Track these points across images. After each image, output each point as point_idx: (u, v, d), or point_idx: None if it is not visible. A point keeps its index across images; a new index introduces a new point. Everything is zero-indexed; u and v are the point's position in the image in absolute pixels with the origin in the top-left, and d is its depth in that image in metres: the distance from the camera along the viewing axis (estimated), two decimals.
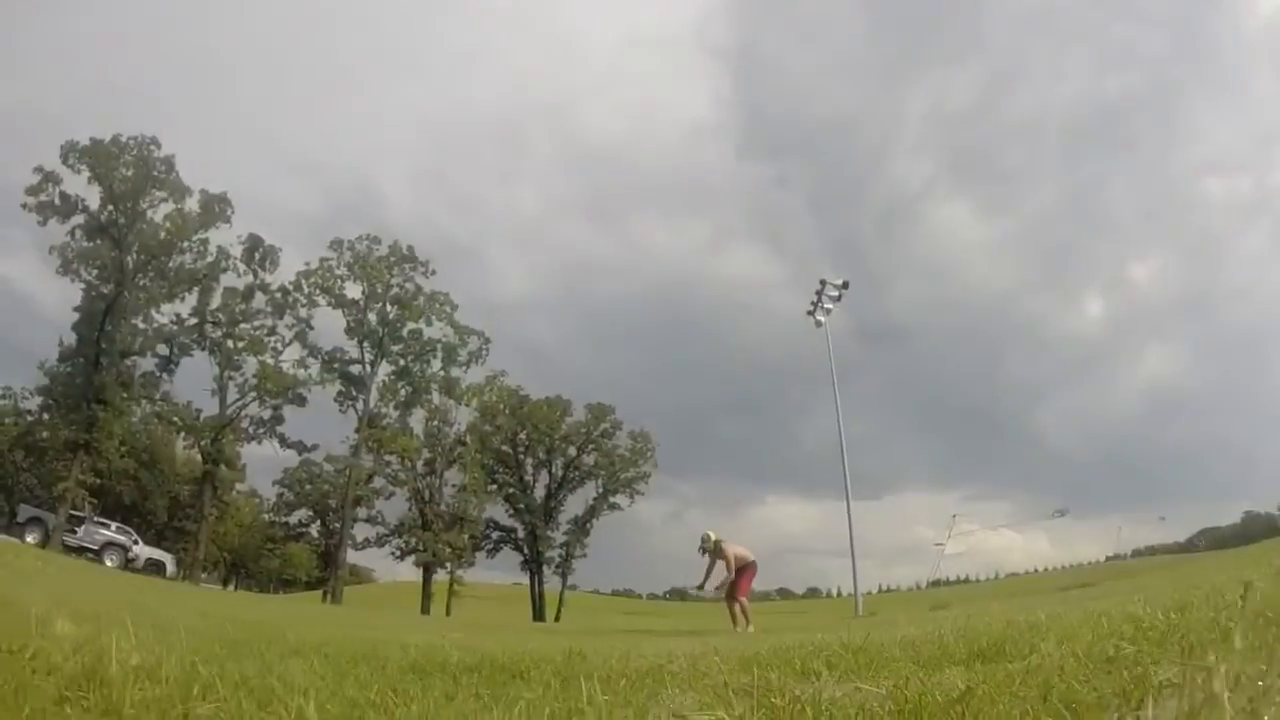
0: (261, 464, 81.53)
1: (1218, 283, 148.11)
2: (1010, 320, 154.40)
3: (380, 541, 56.93)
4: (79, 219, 46.91)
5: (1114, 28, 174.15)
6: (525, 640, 7.56)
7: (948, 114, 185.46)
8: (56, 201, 46.47)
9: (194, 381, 53.41)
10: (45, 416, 49.27)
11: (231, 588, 73.42)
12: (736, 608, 15.24)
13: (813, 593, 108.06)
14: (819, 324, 39.87)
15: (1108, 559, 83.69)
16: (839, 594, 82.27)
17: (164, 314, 50.16)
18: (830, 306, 39.73)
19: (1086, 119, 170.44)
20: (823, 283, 40.14)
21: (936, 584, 79.89)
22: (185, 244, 49.43)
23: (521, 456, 63.83)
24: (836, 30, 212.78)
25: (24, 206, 46.22)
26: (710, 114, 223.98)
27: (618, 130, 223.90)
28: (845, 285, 40.38)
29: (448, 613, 54.60)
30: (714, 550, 15.86)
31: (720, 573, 15.92)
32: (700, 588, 16.50)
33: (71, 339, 46.97)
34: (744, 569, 15.82)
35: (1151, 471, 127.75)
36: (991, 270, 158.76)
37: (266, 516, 67.89)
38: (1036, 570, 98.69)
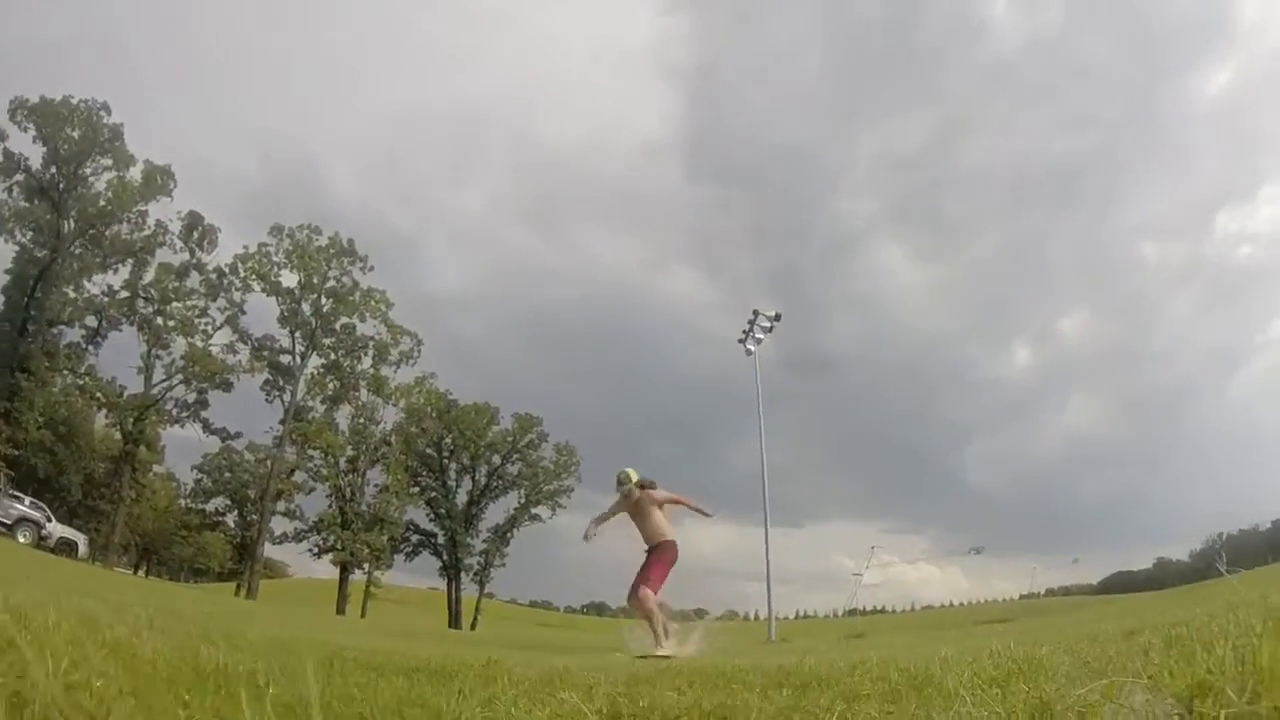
0: (180, 446, 79.92)
1: (1142, 342, 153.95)
2: (941, 362, 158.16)
3: (298, 537, 56.44)
4: (19, 178, 46.14)
5: (1068, 91, 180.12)
6: (448, 649, 8.26)
7: (896, 157, 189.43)
8: (0, 159, 45.69)
9: (119, 357, 52.60)
10: None
11: (142, 573, 71.87)
12: (652, 605, 10.06)
13: (730, 615, 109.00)
14: (749, 353, 40.95)
15: (1022, 597, 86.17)
16: (755, 618, 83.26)
17: (95, 284, 49.50)
18: (761, 336, 40.82)
19: (1031, 175, 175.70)
20: (755, 313, 41.20)
21: (853, 613, 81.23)
22: (124, 214, 48.80)
23: (446, 461, 63.94)
24: (794, 64, 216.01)
25: None
26: (662, 132, 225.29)
27: (571, 139, 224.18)
28: (777, 317, 41.48)
29: (363, 614, 54.35)
30: (630, 495, 10.78)
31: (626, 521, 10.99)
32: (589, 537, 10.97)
33: None
34: (663, 550, 10.62)
35: (1068, 516, 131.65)
36: (926, 312, 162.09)
37: (183, 502, 66.78)
38: (952, 604, 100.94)
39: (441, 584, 65.12)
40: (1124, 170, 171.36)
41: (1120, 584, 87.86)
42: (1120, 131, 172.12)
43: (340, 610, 52.21)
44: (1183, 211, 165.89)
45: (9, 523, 36.59)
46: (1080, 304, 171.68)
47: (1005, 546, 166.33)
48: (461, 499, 63.88)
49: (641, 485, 10.86)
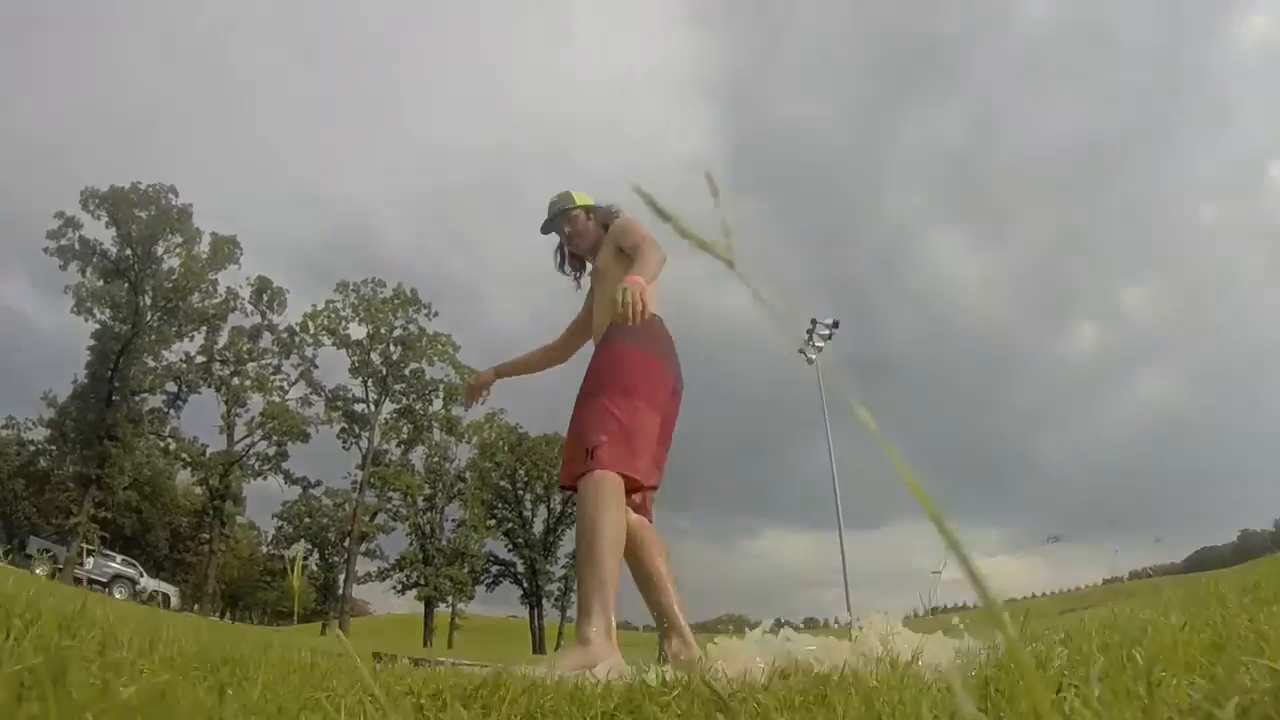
0: (261, 497, 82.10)
1: (1209, 308, 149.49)
2: (1005, 349, 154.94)
3: (382, 576, 57.91)
4: (95, 261, 48.13)
5: (1100, 64, 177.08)
6: None
7: (940, 148, 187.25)
8: (76, 246, 47.70)
9: (201, 416, 54.49)
10: (51, 449, 50.41)
11: (229, 619, 73.87)
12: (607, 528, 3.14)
13: (810, 623, 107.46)
14: (810, 361, 41.11)
15: (1105, 582, 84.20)
16: (835, 624, 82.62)
17: (173, 352, 51.41)
18: (821, 344, 41.04)
19: (1077, 150, 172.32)
20: (814, 321, 41.32)
21: (934, 611, 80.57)
22: (196, 285, 50.69)
23: (521, 492, 64.66)
24: (828, 65, 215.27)
25: (45, 250, 47.51)
26: (701, 149, 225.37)
27: (612, 167, 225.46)
28: (836, 325, 41.54)
29: (450, 645, 55.24)
30: (581, 236, 4.52)
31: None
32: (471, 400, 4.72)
33: (82, 374, 48.21)
34: (612, 354, 3.85)
35: (1147, 495, 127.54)
36: (986, 301, 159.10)
37: (265, 549, 68.41)
38: (1034, 595, 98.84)
39: (520, 611, 66.31)
40: (1170, 135, 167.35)
41: (1206, 560, 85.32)
42: (1160, 95, 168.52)
43: (427, 643, 53.49)
44: (1235, 169, 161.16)
45: (104, 580, 37.94)
46: (1142, 276, 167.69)
47: (1085, 532, 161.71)
48: (538, 528, 64.72)
49: (604, 221, 4.53)
